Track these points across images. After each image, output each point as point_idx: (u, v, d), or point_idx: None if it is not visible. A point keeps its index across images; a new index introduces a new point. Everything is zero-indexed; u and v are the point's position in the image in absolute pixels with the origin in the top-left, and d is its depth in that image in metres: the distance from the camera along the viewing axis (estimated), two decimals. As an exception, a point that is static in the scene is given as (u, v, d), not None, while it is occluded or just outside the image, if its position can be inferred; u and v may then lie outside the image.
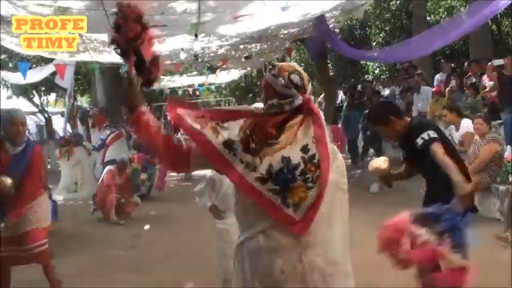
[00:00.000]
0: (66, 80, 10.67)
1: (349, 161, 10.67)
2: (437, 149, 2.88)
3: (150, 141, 1.98)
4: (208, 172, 3.73)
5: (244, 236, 1.90)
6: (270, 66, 2.02)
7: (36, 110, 18.67)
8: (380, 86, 13.52)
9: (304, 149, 1.84)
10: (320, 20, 8.42)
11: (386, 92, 12.06)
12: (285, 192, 1.82)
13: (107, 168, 7.94)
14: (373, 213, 4.59)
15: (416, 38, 8.63)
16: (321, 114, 1.94)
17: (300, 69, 1.99)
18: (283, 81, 1.90)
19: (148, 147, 2.09)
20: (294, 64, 2.03)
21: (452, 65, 11.14)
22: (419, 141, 2.91)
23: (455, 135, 6.49)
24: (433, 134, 2.93)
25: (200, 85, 20.00)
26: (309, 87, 1.95)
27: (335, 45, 10.11)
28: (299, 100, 1.90)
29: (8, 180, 3.62)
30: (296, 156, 1.83)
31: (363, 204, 6.60)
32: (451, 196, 2.92)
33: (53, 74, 11.22)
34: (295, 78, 1.91)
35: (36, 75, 11.26)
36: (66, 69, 10.02)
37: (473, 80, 8.79)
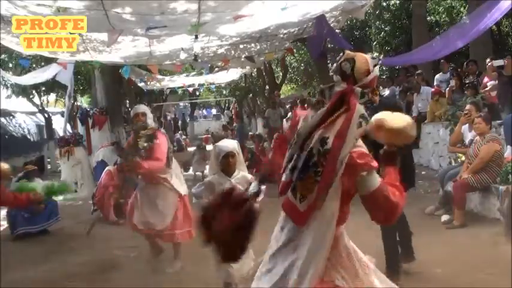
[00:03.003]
0: (68, 75, 10.63)
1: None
2: None
3: None
4: (208, 175, 3.74)
5: None
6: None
7: (36, 110, 18.67)
8: (380, 86, 13.52)
9: (322, 141, 1.83)
10: (321, 19, 8.43)
11: (386, 92, 12.06)
12: (295, 182, 1.88)
13: (106, 168, 7.95)
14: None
15: (419, 50, 8.70)
16: (359, 110, 1.85)
17: (363, 59, 1.92)
18: (334, 66, 1.95)
19: None
20: (360, 54, 1.96)
21: (452, 64, 11.14)
22: None
23: (468, 135, 6.43)
24: None
25: (200, 85, 19.98)
26: (367, 79, 1.90)
27: (339, 44, 10.13)
28: (339, 87, 1.89)
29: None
30: (314, 147, 1.85)
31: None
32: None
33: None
34: (344, 65, 1.90)
35: (40, 76, 11.26)
36: (67, 65, 10.03)
37: (471, 78, 8.79)
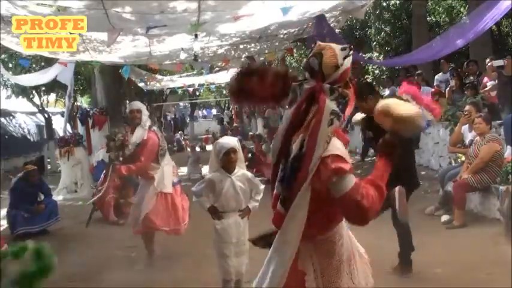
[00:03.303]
0: (69, 75, 10.64)
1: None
2: None
3: None
4: (208, 173, 3.74)
5: None
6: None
7: (36, 110, 18.68)
8: (380, 87, 13.52)
9: (301, 145, 1.79)
10: (321, 19, 8.42)
11: (386, 92, 12.05)
12: (285, 193, 1.85)
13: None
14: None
15: (419, 50, 8.72)
16: (328, 107, 1.74)
17: (331, 52, 1.78)
18: (304, 62, 1.86)
19: None
20: (329, 46, 1.81)
21: (452, 64, 11.14)
22: None
23: (468, 135, 6.44)
24: None
25: (200, 85, 19.97)
26: (336, 74, 1.77)
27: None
28: (308, 85, 1.77)
29: None
30: (294, 151, 1.82)
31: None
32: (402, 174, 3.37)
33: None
34: (312, 61, 1.79)
35: (42, 77, 11.27)
36: (68, 65, 10.03)
37: (471, 78, 8.79)
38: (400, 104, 2.03)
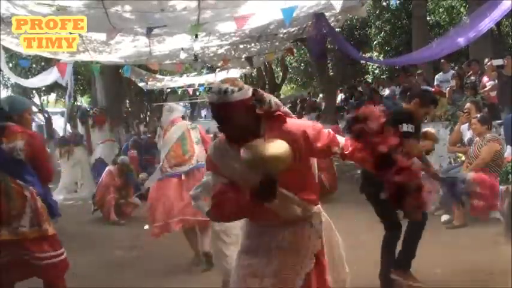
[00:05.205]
0: (66, 78, 10.64)
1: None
2: None
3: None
4: (205, 176, 3.72)
5: None
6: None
7: (36, 110, 18.69)
8: (380, 86, 13.53)
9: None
10: (321, 18, 8.39)
11: (386, 92, 12.07)
12: None
13: (107, 168, 7.95)
14: (373, 213, 4.59)
15: (419, 52, 8.73)
16: None
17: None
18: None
19: None
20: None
21: (451, 64, 11.13)
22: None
23: (467, 134, 6.43)
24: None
25: (200, 85, 19.97)
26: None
27: (340, 44, 10.10)
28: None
29: None
30: None
31: (363, 204, 6.58)
32: None
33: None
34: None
35: (46, 78, 11.27)
36: (67, 67, 10.00)
37: (473, 78, 8.78)
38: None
